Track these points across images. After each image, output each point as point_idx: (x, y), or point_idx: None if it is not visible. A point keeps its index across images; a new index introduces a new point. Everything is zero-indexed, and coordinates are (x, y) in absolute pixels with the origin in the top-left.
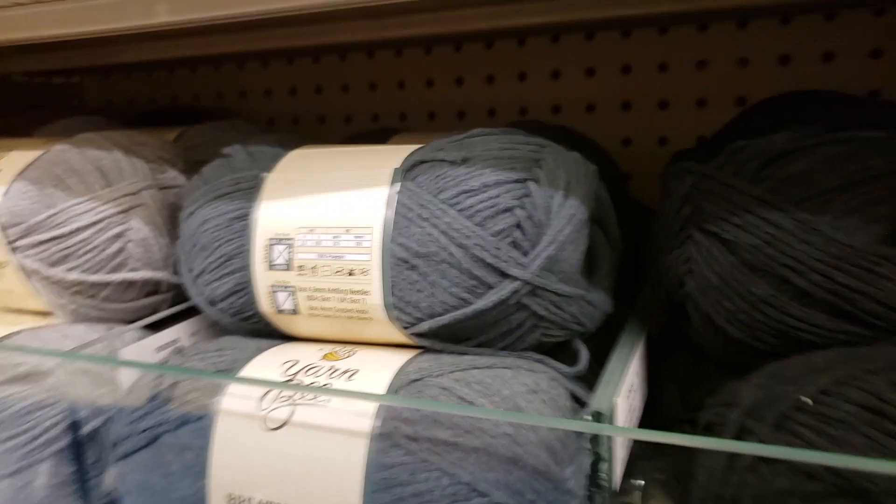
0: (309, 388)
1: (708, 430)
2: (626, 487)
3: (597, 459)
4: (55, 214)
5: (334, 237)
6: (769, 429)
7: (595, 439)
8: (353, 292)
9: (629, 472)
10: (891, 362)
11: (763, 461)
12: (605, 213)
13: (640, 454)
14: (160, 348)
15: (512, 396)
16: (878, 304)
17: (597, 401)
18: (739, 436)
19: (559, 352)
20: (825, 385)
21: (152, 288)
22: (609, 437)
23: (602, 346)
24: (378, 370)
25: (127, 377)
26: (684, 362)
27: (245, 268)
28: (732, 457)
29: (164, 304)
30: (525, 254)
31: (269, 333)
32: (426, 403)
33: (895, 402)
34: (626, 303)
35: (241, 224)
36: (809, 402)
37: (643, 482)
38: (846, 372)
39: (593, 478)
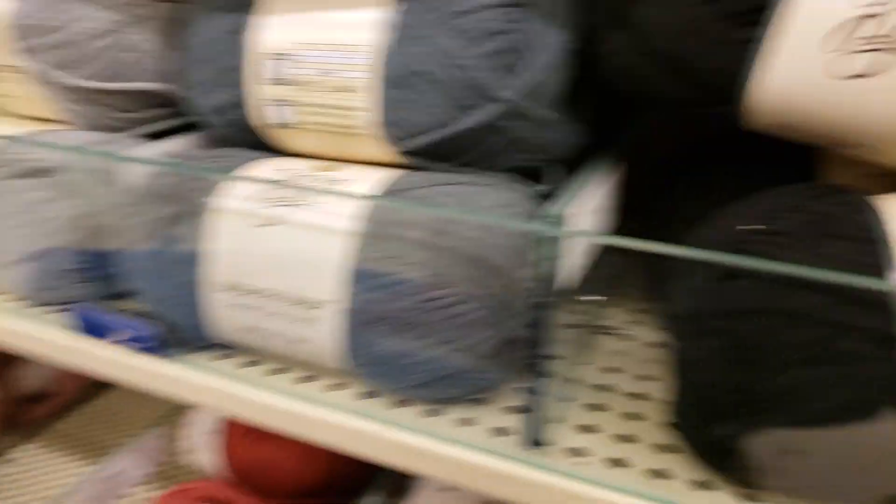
0: (298, 186)
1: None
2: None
3: (544, 257)
4: (67, 20)
5: (329, 53)
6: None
7: (542, 240)
8: (344, 108)
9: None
10: (824, 190)
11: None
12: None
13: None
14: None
15: (485, 208)
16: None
17: (551, 207)
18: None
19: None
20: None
21: (159, 100)
22: (556, 239)
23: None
24: (364, 181)
25: (127, 180)
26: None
27: (238, 82)
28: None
29: (169, 117)
30: (513, 77)
31: (266, 149)
32: (404, 204)
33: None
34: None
35: (237, 38)
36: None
37: (604, 298)
38: (792, 199)
39: (539, 274)
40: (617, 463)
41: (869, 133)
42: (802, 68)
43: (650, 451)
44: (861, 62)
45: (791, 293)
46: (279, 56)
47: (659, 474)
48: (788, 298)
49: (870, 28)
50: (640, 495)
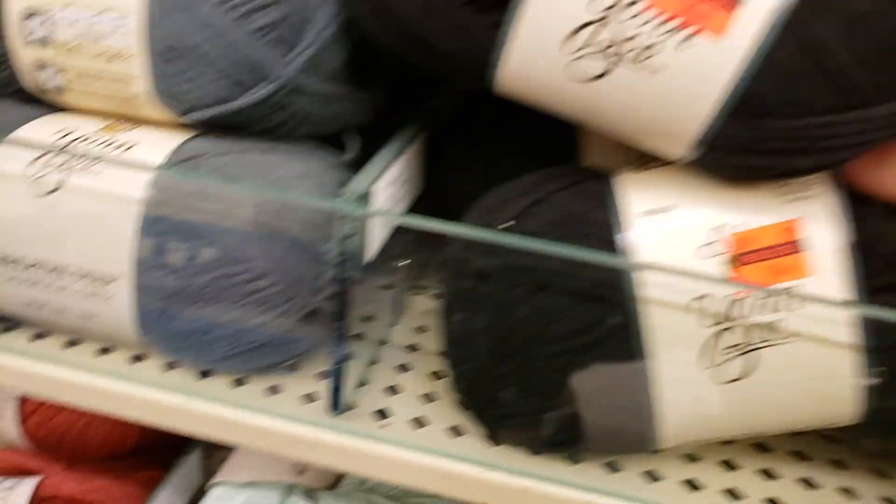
0: (79, 154)
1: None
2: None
3: (348, 235)
4: None
5: (93, 16)
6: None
7: (345, 217)
8: (119, 77)
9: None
10: (574, 178)
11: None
12: None
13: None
14: None
15: (283, 179)
16: None
17: (354, 184)
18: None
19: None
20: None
21: None
22: (361, 216)
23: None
24: (155, 146)
25: None
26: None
27: (1, 39)
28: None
29: None
30: (287, 52)
31: (45, 107)
32: (197, 177)
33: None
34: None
35: None
36: (511, 223)
37: (404, 262)
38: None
39: (343, 251)
40: (419, 423)
41: (604, 126)
42: (540, 64)
43: (449, 409)
44: (592, 67)
45: (540, 290)
46: (32, 13)
47: (457, 431)
48: (536, 294)
49: (600, 34)
50: (438, 453)
